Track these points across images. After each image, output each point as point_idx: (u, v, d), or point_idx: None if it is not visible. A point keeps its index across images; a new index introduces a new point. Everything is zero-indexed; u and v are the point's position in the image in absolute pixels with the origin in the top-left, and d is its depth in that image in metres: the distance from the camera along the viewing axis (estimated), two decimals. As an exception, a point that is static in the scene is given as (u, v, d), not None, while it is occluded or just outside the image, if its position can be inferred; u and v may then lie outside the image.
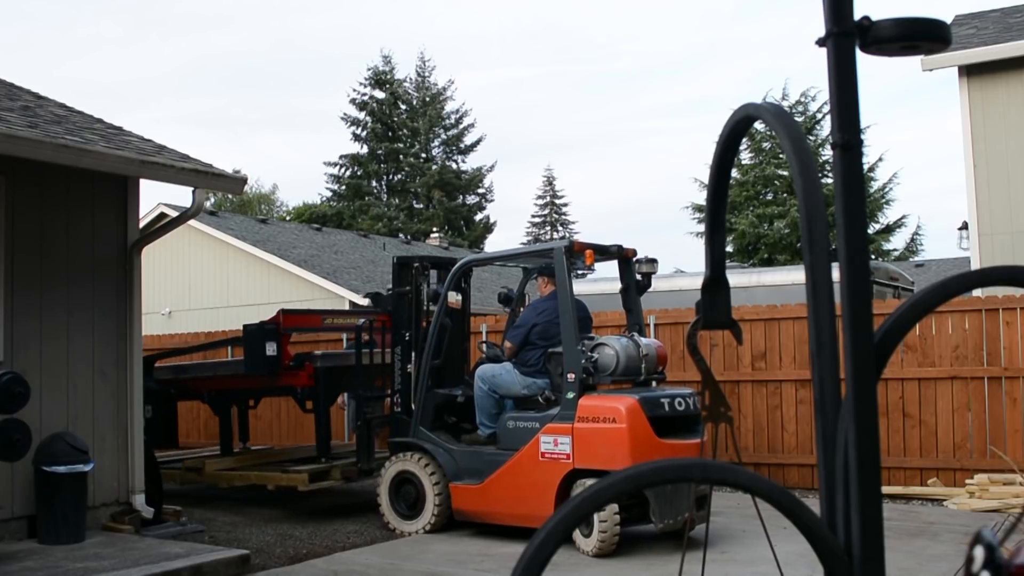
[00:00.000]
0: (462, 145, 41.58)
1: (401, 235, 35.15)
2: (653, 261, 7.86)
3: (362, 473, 8.49)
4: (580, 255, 7.47)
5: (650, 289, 8.20)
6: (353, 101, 40.44)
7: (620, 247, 7.91)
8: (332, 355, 9.48)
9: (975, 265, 10.78)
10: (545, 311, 7.58)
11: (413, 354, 8.14)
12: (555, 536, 1.23)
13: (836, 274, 1.35)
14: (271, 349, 8.68)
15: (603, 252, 7.85)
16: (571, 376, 7.00)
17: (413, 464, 7.77)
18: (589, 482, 6.27)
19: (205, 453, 10.52)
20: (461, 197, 40.80)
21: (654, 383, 7.52)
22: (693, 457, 6.26)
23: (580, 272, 8.25)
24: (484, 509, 7.42)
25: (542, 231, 47.35)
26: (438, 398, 8.02)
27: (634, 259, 7.92)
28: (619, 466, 5.85)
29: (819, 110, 31.63)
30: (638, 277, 7.90)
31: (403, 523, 7.78)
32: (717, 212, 1.72)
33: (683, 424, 7.09)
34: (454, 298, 8.27)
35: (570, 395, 6.98)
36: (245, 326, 9.08)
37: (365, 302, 18.77)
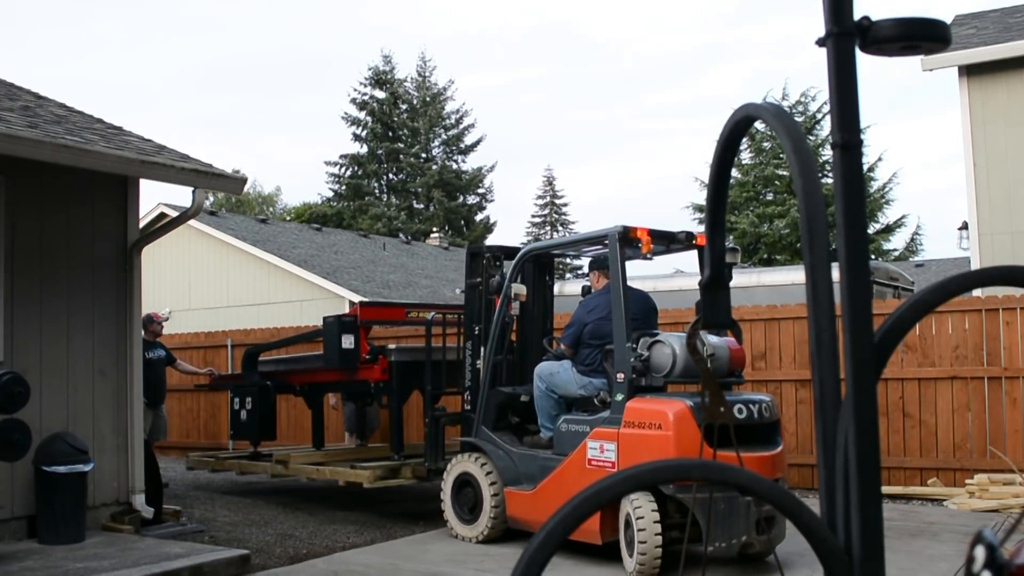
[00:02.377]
0: (462, 145, 41.58)
1: (401, 235, 35.14)
2: (734, 250, 6.97)
3: (431, 473, 8.14)
4: (636, 242, 6.73)
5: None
6: (353, 101, 40.47)
7: (689, 234, 7.15)
8: (407, 349, 9.12)
9: (975, 265, 10.78)
10: (595, 308, 7.01)
11: (482, 349, 7.72)
12: (555, 536, 1.23)
13: (836, 274, 1.35)
14: (347, 342, 8.54)
15: (667, 239, 7.07)
16: (620, 376, 6.42)
17: (473, 465, 7.41)
18: (636, 496, 5.97)
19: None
20: (461, 197, 40.79)
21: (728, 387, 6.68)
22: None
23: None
24: (534, 517, 6.86)
25: (542, 231, 47.34)
26: (501, 397, 7.58)
27: None
28: None
29: (819, 110, 31.67)
30: None
31: (462, 527, 7.43)
32: (717, 212, 1.72)
33: (752, 434, 6.25)
34: (519, 290, 7.72)
35: (619, 397, 6.40)
36: (324, 318, 8.98)
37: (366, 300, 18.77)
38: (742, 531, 5.91)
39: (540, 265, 8.26)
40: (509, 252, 8.11)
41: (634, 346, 6.48)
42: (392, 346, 9.15)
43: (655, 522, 5.99)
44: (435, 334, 8.47)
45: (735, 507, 5.86)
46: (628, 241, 6.72)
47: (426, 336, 8.49)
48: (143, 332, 10.88)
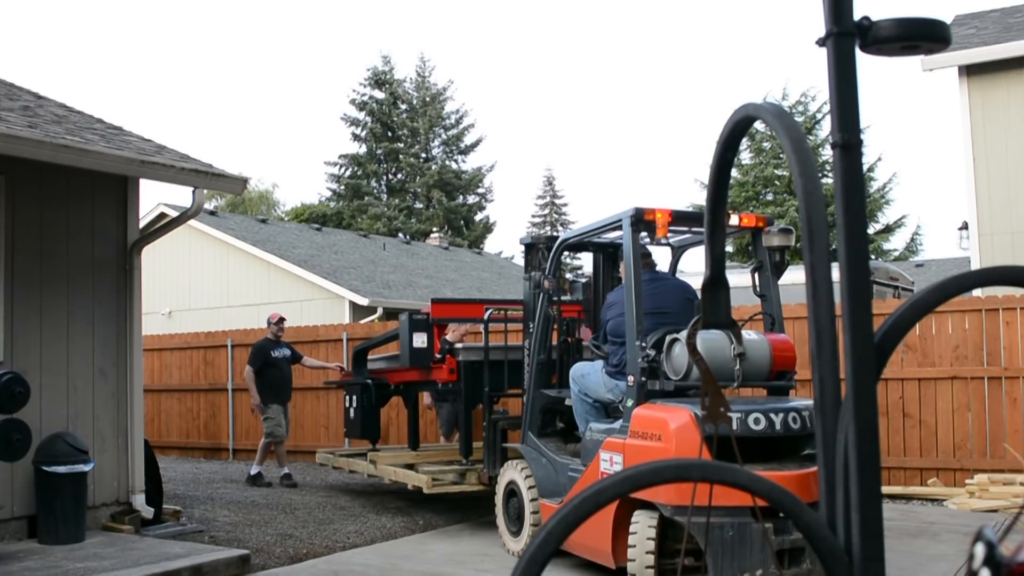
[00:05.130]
0: (462, 145, 41.59)
1: (401, 235, 35.14)
2: (787, 231, 6.14)
3: (492, 479, 7.65)
4: (652, 225, 5.97)
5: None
6: (353, 102, 40.48)
7: (728, 214, 5.85)
8: (476, 348, 8.60)
9: (975, 265, 10.78)
10: (614, 305, 6.33)
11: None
12: (555, 536, 1.23)
13: (836, 274, 1.35)
14: (419, 340, 8.43)
15: (700, 222, 6.26)
16: (631, 380, 5.74)
17: (517, 474, 6.94)
18: (643, 513, 5.38)
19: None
20: (461, 197, 40.81)
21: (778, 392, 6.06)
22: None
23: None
24: None
25: (542, 231, 47.37)
26: (545, 400, 7.05)
27: (764, 230, 6.24)
28: (661, 497, 5.07)
29: (819, 110, 31.70)
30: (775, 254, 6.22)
31: (510, 540, 6.98)
32: (717, 212, 1.72)
33: (781, 447, 5.47)
34: (547, 281, 7.22)
35: (629, 403, 5.76)
36: (400, 316, 8.87)
37: (362, 301, 18.79)
38: (756, 564, 5.00)
39: (608, 257, 7.63)
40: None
41: (644, 345, 5.72)
42: (460, 345, 8.85)
43: (649, 547, 5.30)
44: (498, 331, 8.11)
45: (745, 534, 4.95)
46: (644, 225, 6.01)
47: (484, 334, 8.13)
48: (267, 332, 11.25)
